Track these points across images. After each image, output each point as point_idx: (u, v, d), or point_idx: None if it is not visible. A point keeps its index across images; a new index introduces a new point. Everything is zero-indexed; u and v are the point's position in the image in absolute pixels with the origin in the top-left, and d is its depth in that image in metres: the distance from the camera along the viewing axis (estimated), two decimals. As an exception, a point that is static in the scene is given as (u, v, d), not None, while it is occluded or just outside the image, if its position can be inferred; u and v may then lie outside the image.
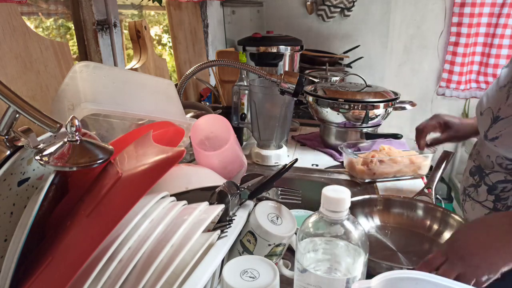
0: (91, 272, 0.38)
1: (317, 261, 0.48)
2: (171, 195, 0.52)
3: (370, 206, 0.83)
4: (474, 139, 0.88)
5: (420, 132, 0.92)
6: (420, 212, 0.81)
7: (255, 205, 0.62)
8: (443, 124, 0.92)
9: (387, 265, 0.62)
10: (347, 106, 1.14)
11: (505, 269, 0.52)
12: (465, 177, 0.83)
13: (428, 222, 0.79)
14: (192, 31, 1.59)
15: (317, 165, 1.13)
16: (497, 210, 0.74)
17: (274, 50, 1.61)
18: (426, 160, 1.03)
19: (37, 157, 0.46)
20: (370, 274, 0.49)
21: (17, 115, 0.49)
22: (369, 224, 0.81)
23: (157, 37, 1.56)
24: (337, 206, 0.46)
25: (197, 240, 0.44)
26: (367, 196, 0.84)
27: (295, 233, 0.60)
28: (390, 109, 1.19)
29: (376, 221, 0.82)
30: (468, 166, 0.83)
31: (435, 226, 0.78)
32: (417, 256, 0.72)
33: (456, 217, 0.76)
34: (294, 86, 0.96)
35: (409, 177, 1.04)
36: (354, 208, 0.80)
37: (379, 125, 1.24)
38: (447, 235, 0.76)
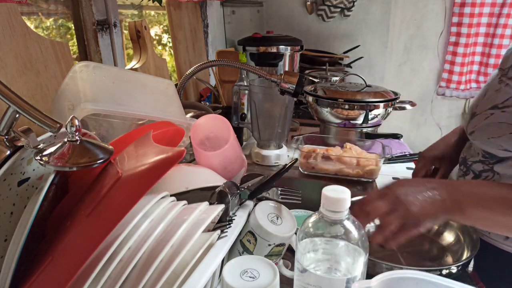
0: (91, 272, 0.38)
1: (317, 261, 0.48)
2: (171, 195, 0.52)
3: None
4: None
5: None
6: None
7: (255, 205, 0.62)
8: (434, 160, 0.91)
9: (387, 265, 0.62)
10: (347, 106, 1.14)
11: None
12: (457, 169, 0.86)
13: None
14: (192, 31, 1.59)
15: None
16: None
17: (274, 50, 1.62)
18: (377, 165, 0.99)
19: (37, 157, 0.46)
20: (370, 274, 0.49)
21: (17, 115, 0.49)
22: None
23: (157, 37, 1.56)
24: (337, 206, 0.46)
25: (197, 240, 0.44)
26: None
27: (295, 233, 0.60)
28: (390, 109, 1.19)
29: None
30: (461, 160, 0.86)
31: (435, 226, 0.79)
32: (417, 256, 0.73)
33: None
34: (294, 86, 0.96)
35: (355, 178, 1.01)
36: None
37: (379, 125, 1.24)
38: (447, 235, 0.76)
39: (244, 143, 1.30)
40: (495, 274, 0.80)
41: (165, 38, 1.59)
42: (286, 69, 1.67)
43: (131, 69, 1.20)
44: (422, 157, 0.92)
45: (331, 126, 1.23)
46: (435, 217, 0.59)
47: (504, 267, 0.81)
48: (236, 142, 0.81)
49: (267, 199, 0.66)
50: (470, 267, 0.72)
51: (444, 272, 0.63)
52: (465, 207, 0.58)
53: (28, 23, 0.81)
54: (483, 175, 0.77)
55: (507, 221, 0.59)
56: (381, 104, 1.15)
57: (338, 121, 1.19)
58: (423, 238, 0.78)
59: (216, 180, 0.66)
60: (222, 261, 0.51)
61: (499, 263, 0.81)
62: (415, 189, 0.59)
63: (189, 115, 1.00)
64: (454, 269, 0.63)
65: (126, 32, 1.26)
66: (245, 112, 1.21)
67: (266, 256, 0.59)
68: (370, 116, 1.16)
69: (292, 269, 0.59)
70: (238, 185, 0.61)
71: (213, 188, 0.59)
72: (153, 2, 1.21)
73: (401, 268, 0.61)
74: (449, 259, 0.72)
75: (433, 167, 0.93)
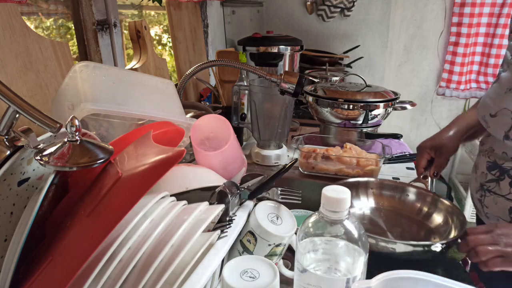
0: (91, 272, 0.38)
1: (317, 261, 0.48)
2: (171, 195, 0.52)
3: (366, 188, 0.89)
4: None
5: (420, 173, 0.92)
6: (411, 196, 0.86)
7: (255, 205, 0.62)
8: (431, 150, 0.92)
9: (375, 238, 0.66)
10: (347, 106, 1.15)
11: None
12: (479, 173, 0.83)
13: (418, 206, 0.85)
14: (192, 31, 1.59)
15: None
16: None
17: (274, 50, 1.61)
18: (377, 165, 1.00)
19: (37, 157, 0.46)
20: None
21: (17, 115, 0.49)
22: (364, 205, 0.87)
23: (157, 37, 1.56)
24: (337, 206, 0.46)
25: (197, 240, 0.44)
26: (363, 179, 0.90)
27: (295, 233, 0.60)
28: (390, 109, 1.19)
29: (371, 202, 0.88)
30: (481, 162, 0.83)
31: (425, 209, 0.83)
32: (404, 236, 0.78)
33: (445, 202, 0.80)
34: (294, 86, 0.96)
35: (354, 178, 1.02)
36: (351, 189, 0.83)
37: (379, 125, 1.24)
38: (436, 217, 0.81)
39: (244, 143, 1.30)
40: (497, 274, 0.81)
41: (165, 38, 1.59)
42: (286, 69, 1.67)
43: (131, 69, 1.20)
44: (419, 148, 0.94)
45: (331, 126, 1.23)
46: None
47: None
48: (236, 142, 0.81)
49: (267, 199, 0.66)
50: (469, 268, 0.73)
51: (431, 248, 0.65)
52: None
53: (28, 23, 0.81)
54: None
55: None
56: (381, 104, 1.15)
57: (338, 121, 1.19)
58: (412, 221, 0.82)
59: (216, 180, 0.66)
60: (222, 261, 0.51)
61: None
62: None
63: (189, 115, 1.00)
64: (438, 247, 0.65)
65: (126, 32, 1.26)
66: (245, 112, 1.21)
67: (266, 256, 0.59)
68: (370, 116, 1.16)
69: (292, 269, 0.59)
70: (238, 185, 0.61)
71: (213, 188, 0.59)
72: (153, 2, 1.21)
73: (387, 242, 0.66)
74: (436, 240, 0.75)
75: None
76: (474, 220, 0.96)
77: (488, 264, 0.63)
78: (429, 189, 0.87)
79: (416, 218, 0.83)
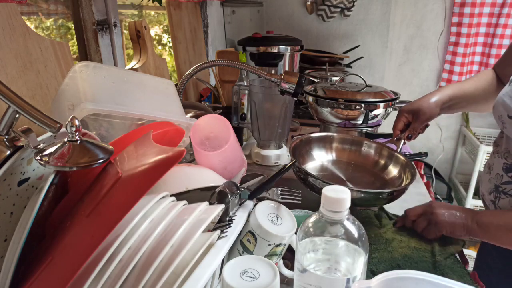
0: (91, 272, 0.38)
1: (317, 261, 0.48)
2: (171, 195, 0.52)
3: (328, 143, 0.95)
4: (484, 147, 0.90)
5: (395, 135, 0.96)
6: (369, 150, 0.93)
7: (255, 205, 0.62)
8: (408, 114, 0.94)
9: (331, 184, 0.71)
10: (346, 106, 1.14)
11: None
12: (493, 174, 0.83)
13: (376, 159, 0.91)
14: (192, 31, 1.59)
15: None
16: None
17: (274, 50, 1.61)
18: None
19: (37, 157, 0.46)
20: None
21: (17, 115, 0.49)
22: (325, 157, 0.93)
23: (157, 37, 1.56)
24: (337, 206, 0.46)
25: (197, 240, 0.44)
26: (325, 134, 0.96)
27: (295, 233, 0.60)
28: (390, 109, 1.19)
29: (332, 155, 0.94)
30: (496, 163, 0.83)
31: (382, 162, 0.90)
32: (361, 185, 0.84)
33: (400, 156, 0.86)
34: (294, 86, 0.96)
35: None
36: (313, 143, 0.92)
37: (379, 125, 1.24)
38: (391, 169, 0.87)
39: (244, 143, 1.30)
40: (498, 268, 0.81)
41: (165, 38, 1.59)
42: (286, 69, 1.67)
43: (131, 69, 1.20)
44: (398, 112, 0.97)
45: (331, 126, 1.23)
46: (455, 235, 0.75)
47: (506, 262, 0.81)
48: (236, 142, 0.81)
49: (267, 199, 0.66)
50: (471, 268, 0.74)
51: (380, 196, 0.72)
52: (475, 235, 0.74)
53: (28, 23, 0.81)
54: None
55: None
56: (381, 104, 1.15)
57: (338, 121, 1.19)
58: (369, 172, 0.88)
59: (216, 180, 0.66)
60: (222, 261, 0.51)
61: (502, 258, 0.81)
62: (448, 212, 0.75)
63: (189, 115, 1.00)
64: (385, 195, 0.72)
65: (126, 32, 1.26)
66: (245, 112, 1.21)
67: (266, 256, 0.59)
68: (370, 116, 1.16)
69: (292, 269, 0.59)
70: (238, 185, 0.61)
71: (213, 188, 0.59)
72: (153, 2, 1.21)
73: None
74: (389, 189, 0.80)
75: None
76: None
77: (425, 232, 0.77)
78: (398, 150, 0.90)
79: (372, 170, 0.89)
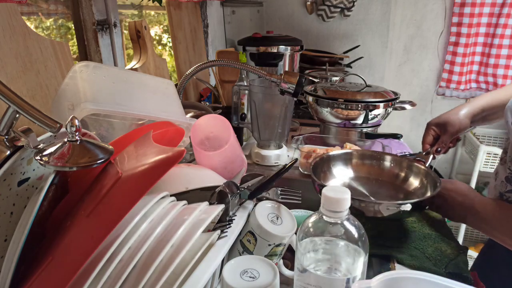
0: (91, 272, 0.38)
1: (317, 261, 0.48)
2: (171, 195, 0.52)
3: (348, 159, 0.94)
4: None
5: (425, 149, 0.94)
6: (388, 163, 0.92)
7: (255, 205, 0.62)
8: (436, 127, 0.93)
9: (360, 200, 0.72)
10: (347, 106, 1.14)
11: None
12: (499, 182, 0.83)
13: (396, 171, 0.90)
14: (192, 31, 1.59)
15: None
16: None
17: (274, 50, 1.61)
18: None
19: (37, 157, 0.46)
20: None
21: (17, 115, 0.49)
22: (346, 174, 0.93)
23: (157, 37, 1.56)
24: (337, 206, 0.46)
25: (197, 240, 0.44)
26: (344, 151, 0.95)
27: (295, 233, 0.60)
28: (390, 109, 1.19)
29: (353, 171, 0.93)
30: (501, 171, 0.82)
31: (402, 174, 0.89)
32: (385, 199, 0.82)
33: (421, 166, 0.86)
34: (294, 86, 0.96)
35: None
36: (333, 160, 0.92)
37: (379, 125, 1.24)
38: (412, 180, 0.86)
39: (244, 143, 1.30)
40: (497, 274, 0.80)
41: (165, 38, 1.59)
42: (286, 69, 1.67)
43: (131, 69, 1.20)
44: (427, 125, 0.96)
45: (331, 126, 1.23)
46: (450, 218, 0.77)
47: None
48: (236, 142, 0.81)
49: (267, 199, 0.66)
50: (470, 263, 0.74)
51: (403, 208, 0.71)
52: (469, 223, 0.75)
53: (28, 23, 0.81)
54: None
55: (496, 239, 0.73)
56: (381, 104, 1.15)
57: (338, 121, 1.19)
58: (390, 185, 0.87)
59: (216, 180, 0.66)
60: (222, 261, 0.51)
61: (506, 261, 0.81)
62: (452, 197, 0.76)
63: (189, 115, 1.00)
64: (408, 206, 0.71)
65: (126, 32, 1.26)
66: (245, 112, 1.21)
67: (266, 256, 0.59)
68: (370, 116, 1.16)
69: (292, 269, 0.59)
70: (238, 185, 0.61)
71: (213, 188, 0.59)
72: (153, 2, 1.21)
73: (374, 204, 0.72)
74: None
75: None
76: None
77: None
78: (426, 165, 0.88)
79: (393, 183, 0.89)
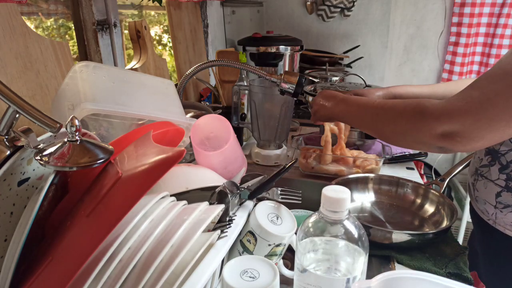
0: (91, 272, 0.38)
1: (317, 261, 0.48)
2: (171, 195, 0.52)
3: (364, 183, 0.95)
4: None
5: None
6: (405, 189, 0.93)
7: (255, 205, 0.62)
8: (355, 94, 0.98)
9: (373, 227, 0.73)
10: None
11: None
12: (476, 158, 0.85)
13: (412, 198, 0.91)
14: (192, 31, 1.59)
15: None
16: (509, 189, 0.76)
17: (274, 50, 1.61)
18: (377, 164, 1.02)
19: (37, 157, 0.46)
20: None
21: (17, 115, 0.49)
22: (363, 198, 0.93)
23: (157, 37, 1.56)
24: (337, 206, 0.46)
25: (197, 240, 0.44)
26: (361, 175, 0.96)
27: (295, 233, 0.60)
28: (390, 109, 1.19)
29: (371, 196, 0.94)
30: (480, 149, 0.84)
31: (418, 201, 0.90)
32: (401, 226, 0.83)
33: (436, 192, 0.87)
34: (294, 86, 0.96)
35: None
36: (351, 184, 0.93)
37: (379, 125, 1.24)
38: (428, 207, 0.88)
39: (244, 143, 1.30)
40: (497, 274, 0.80)
41: (165, 38, 1.59)
42: (286, 69, 1.67)
43: (131, 69, 1.20)
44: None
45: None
46: (324, 112, 0.84)
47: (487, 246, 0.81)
48: (236, 142, 0.81)
49: (267, 199, 0.66)
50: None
51: (424, 237, 0.73)
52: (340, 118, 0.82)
53: (28, 23, 0.81)
54: (511, 166, 0.77)
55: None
56: (381, 104, 1.15)
57: (338, 121, 1.19)
58: (406, 211, 0.88)
59: (216, 180, 0.66)
60: (222, 261, 0.51)
61: (506, 249, 0.81)
62: (324, 100, 0.84)
63: (189, 115, 1.00)
64: (430, 235, 0.73)
65: (126, 32, 1.26)
66: (245, 112, 1.21)
67: (266, 256, 0.59)
68: (370, 116, 1.16)
69: (292, 269, 0.59)
70: (238, 185, 0.61)
71: (213, 188, 0.59)
72: (153, 2, 1.21)
73: (387, 232, 0.72)
74: (428, 228, 0.82)
75: None
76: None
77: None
78: (441, 192, 0.90)
79: (408, 209, 0.90)
